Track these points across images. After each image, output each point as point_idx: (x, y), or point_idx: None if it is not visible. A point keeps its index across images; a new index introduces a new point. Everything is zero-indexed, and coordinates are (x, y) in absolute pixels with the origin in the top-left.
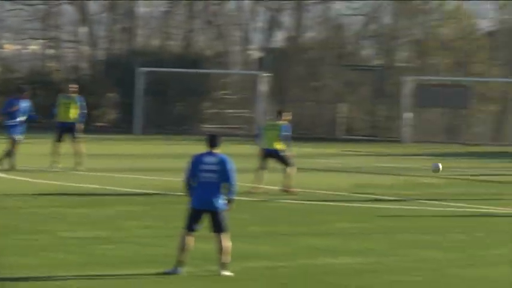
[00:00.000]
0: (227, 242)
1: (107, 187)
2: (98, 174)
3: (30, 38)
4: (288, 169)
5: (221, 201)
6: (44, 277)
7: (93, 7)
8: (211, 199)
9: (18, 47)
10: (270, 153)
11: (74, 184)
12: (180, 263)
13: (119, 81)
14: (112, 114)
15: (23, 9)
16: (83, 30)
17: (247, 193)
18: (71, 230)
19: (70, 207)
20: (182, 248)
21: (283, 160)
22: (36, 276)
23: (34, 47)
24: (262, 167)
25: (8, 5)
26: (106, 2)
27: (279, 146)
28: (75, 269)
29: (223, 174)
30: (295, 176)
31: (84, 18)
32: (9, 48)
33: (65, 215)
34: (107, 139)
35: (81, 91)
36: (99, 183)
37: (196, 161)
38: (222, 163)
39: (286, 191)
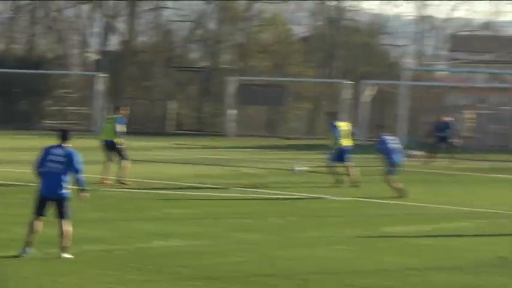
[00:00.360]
0: (68, 227)
1: None
2: None
3: None
4: (123, 162)
5: (65, 190)
6: None
7: None
8: (56, 188)
9: None
10: (108, 145)
11: None
12: (28, 243)
13: None
14: None
15: None
16: None
17: (97, 184)
18: None
19: None
20: (30, 230)
21: (119, 152)
22: None
23: None
24: (109, 159)
25: None
26: None
27: (115, 138)
28: None
29: (69, 165)
30: (130, 167)
31: None
32: None
33: None
34: None
35: None
36: None
37: (46, 152)
38: (69, 155)
39: (120, 182)
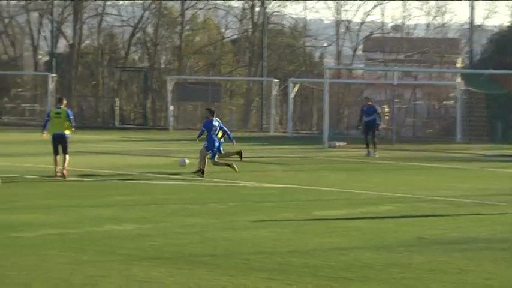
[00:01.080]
0: None
1: None
2: None
3: None
4: (67, 155)
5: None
6: None
7: None
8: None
9: None
10: (57, 137)
11: None
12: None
13: None
14: None
15: None
16: None
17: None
18: None
19: None
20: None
21: (65, 145)
22: None
23: None
24: (56, 151)
25: None
26: None
27: (66, 130)
28: None
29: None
30: (76, 159)
31: None
32: None
33: None
34: None
35: None
36: None
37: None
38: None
39: (61, 174)
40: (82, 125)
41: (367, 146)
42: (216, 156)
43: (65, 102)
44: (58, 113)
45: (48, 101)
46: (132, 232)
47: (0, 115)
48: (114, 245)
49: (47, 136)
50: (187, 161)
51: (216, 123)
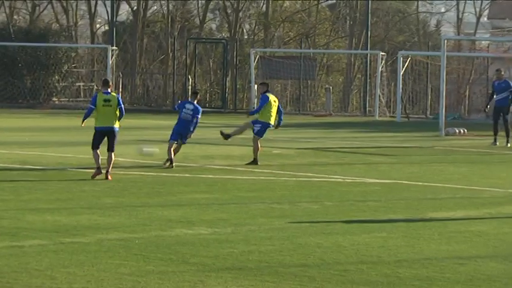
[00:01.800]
0: None
1: None
2: None
3: None
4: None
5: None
6: None
7: None
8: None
9: None
10: (105, 132)
11: None
12: None
13: None
14: None
15: None
16: None
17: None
18: None
19: None
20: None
21: (113, 141)
22: None
23: None
24: (97, 146)
25: None
26: None
27: (116, 123)
28: None
29: None
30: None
31: None
32: None
33: None
34: None
35: None
36: None
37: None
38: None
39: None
40: (148, 108)
41: (496, 134)
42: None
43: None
44: (107, 100)
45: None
46: (208, 237)
47: (51, 96)
48: (186, 252)
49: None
50: (151, 149)
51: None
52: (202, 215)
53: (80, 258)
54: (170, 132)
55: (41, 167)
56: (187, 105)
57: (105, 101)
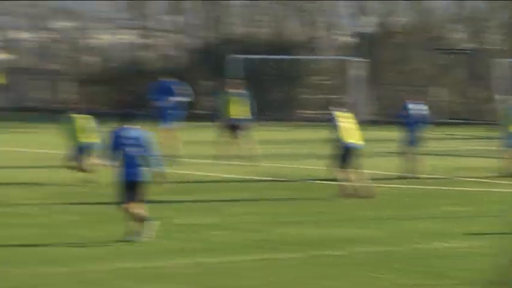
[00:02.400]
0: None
1: (211, 174)
2: (197, 161)
3: (124, 28)
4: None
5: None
6: (158, 266)
7: None
8: None
9: (114, 37)
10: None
11: (178, 171)
12: None
13: (212, 69)
14: (208, 102)
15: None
16: (175, 19)
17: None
18: (180, 216)
19: (178, 194)
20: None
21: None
22: (151, 264)
23: (128, 36)
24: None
25: None
26: None
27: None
28: (187, 255)
29: None
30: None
31: (176, 7)
32: (106, 38)
33: (168, 201)
34: (204, 126)
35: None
36: (203, 170)
37: None
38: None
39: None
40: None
41: None
42: None
43: None
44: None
45: (352, 91)
46: (463, 250)
47: (296, 109)
48: (442, 266)
49: None
50: None
51: None
52: (456, 227)
53: (333, 271)
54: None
55: (289, 180)
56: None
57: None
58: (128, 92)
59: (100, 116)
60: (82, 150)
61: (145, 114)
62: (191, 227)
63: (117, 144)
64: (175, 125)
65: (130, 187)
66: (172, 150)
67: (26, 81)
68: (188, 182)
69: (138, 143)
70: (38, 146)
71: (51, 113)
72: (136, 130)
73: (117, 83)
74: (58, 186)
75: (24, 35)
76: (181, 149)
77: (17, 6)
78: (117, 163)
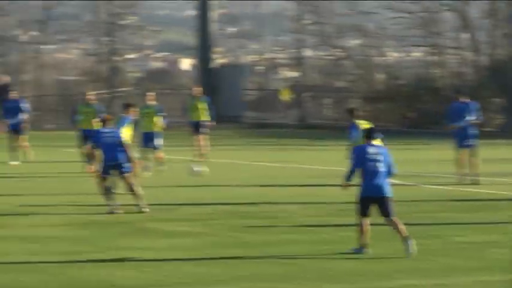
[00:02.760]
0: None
1: (500, 192)
2: (489, 179)
3: (413, 46)
4: None
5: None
6: (438, 284)
7: (474, 13)
8: None
9: (402, 54)
10: None
11: (462, 189)
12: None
13: (503, 87)
14: (498, 119)
15: (404, 17)
16: (464, 36)
17: None
18: (462, 235)
19: (460, 212)
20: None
21: None
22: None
23: (417, 54)
24: None
25: (390, 14)
26: (487, 8)
27: None
28: (465, 273)
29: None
30: None
31: (465, 25)
32: (393, 56)
33: (451, 219)
34: (494, 144)
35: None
36: (493, 189)
37: None
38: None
39: None
40: None
41: None
42: None
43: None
44: None
45: None
46: None
47: None
48: None
49: None
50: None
51: None
52: None
53: None
54: None
55: None
56: None
57: None
58: (414, 109)
59: (386, 133)
60: None
61: (435, 133)
62: (471, 244)
63: (361, 160)
64: (472, 144)
65: (371, 202)
66: (471, 169)
67: (311, 98)
68: (477, 200)
69: (381, 158)
70: (321, 163)
71: (335, 130)
72: (379, 146)
73: (404, 100)
74: (337, 203)
75: (309, 53)
76: (480, 168)
77: (303, 25)
78: (359, 179)
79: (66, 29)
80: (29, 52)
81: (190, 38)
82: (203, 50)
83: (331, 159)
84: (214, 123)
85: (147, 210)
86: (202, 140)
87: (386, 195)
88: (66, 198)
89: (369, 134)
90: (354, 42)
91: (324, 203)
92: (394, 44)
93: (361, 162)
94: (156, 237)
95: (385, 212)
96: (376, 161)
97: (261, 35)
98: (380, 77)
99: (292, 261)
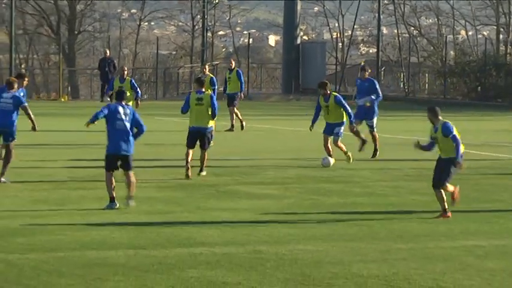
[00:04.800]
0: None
1: None
2: None
3: (482, 24)
4: None
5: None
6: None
7: None
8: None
9: (472, 32)
10: None
11: None
12: None
13: None
14: None
15: None
16: None
17: None
18: None
19: None
20: None
21: None
22: None
23: (486, 32)
24: None
25: None
26: None
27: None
28: None
29: None
30: None
31: None
32: (464, 33)
33: None
34: None
35: None
36: None
37: None
38: None
39: None
40: None
41: None
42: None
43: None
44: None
45: None
46: None
47: None
48: None
49: None
50: (331, 160)
51: None
52: None
53: None
54: None
55: None
56: None
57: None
58: (482, 84)
59: (456, 106)
60: None
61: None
62: None
63: None
64: None
65: None
66: None
67: (387, 73)
68: None
69: None
70: (393, 132)
71: (408, 102)
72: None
73: (473, 75)
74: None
75: (386, 31)
76: None
77: (382, 5)
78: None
79: (162, 7)
80: (128, 28)
81: (276, 17)
82: (289, 27)
83: (402, 128)
84: (243, 96)
85: None
86: (234, 110)
87: None
88: (158, 163)
89: None
90: (427, 21)
91: (394, 169)
92: (466, 22)
93: None
94: (238, 199)
95: None
96: None
97: (342, 14)
98: (451, 53)
99: (364, 223)
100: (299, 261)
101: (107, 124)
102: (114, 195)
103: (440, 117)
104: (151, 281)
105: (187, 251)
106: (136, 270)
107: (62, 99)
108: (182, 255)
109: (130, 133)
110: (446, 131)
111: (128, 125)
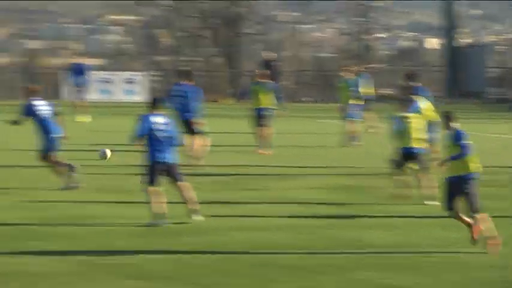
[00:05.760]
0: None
1: None
2: None
3: None
4: None
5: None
6: None
7: None
8: None
9: None
10: None
11: None
12: None
13: None
14: None
15: None
16: None
17: None
18: None
19: None
20: None
21: None
22: None
23: None
24: None
25: None
26: None
27: None
28: None
29: None
30: None
31: None
32: None
33: None
34: None
35: None
36: None
37: None
38: None
39: None
40: None
41: None
42: None
43: None
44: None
45: None
46: None
47: None
48: None
49: None
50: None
51: None
52: None
53: None
54: None
55: None
56: None
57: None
58: None
59: None
60: None
61: None
62: None
63: None
64: None
65: None
66: None
67: None
68: None
69: None
70: None
71: None
72: None
73: None
74: None
75: None
76: None
77: None
78: None
79: (322, 10)
80: (288, 31)
81: (436, 19)
82: (449, 30)
83: None
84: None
85: None
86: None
87: None
88: (320, 163)
89: None
90: None
91: None
92: None
93: None
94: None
95: None
96: None
97: (502, 17)
98: None
99: None
100: (470, 264)
101: None
102: None
103: None
104: (318, 283)
105: (354, 252)
106: (305, 271)
107: (225, 102)
108: (349, 256)
109: None
110: None
111: None
